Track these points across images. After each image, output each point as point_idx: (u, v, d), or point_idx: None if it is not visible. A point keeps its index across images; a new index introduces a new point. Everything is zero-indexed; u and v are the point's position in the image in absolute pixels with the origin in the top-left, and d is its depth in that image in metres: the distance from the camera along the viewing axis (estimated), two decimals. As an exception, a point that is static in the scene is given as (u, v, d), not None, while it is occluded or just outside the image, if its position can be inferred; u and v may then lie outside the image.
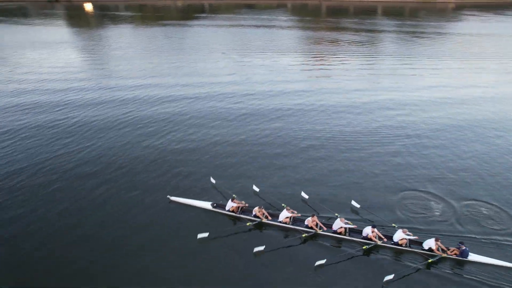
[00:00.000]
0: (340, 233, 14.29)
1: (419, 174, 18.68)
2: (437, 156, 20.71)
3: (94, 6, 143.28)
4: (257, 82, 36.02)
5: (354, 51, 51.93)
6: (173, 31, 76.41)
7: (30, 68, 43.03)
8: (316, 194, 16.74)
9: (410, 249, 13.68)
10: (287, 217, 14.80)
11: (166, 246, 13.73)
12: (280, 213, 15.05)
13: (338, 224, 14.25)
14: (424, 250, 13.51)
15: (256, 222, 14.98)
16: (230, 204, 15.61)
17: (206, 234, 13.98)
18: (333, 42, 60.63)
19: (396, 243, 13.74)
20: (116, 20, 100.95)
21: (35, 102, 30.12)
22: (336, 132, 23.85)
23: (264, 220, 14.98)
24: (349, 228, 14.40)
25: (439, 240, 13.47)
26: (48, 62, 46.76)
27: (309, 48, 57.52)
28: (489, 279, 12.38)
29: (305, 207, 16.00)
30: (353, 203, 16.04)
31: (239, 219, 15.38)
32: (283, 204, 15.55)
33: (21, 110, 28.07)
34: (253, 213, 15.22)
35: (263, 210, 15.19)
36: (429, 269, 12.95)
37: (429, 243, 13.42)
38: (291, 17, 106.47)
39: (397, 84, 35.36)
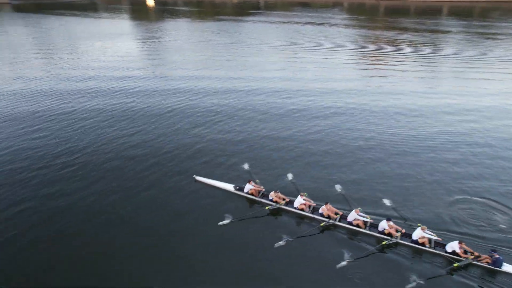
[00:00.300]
0: (357, 226, 13.72)
1: (478, 184, 16.85)
2: (503, 167, 18.57)
3: (156, 1, 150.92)
4: (308, 79, 35.25)
5: (414, 52, 48.74)
6: (228, 26, 77.82)
7: (94, 57, 46.46)
8: (352, 191, 16.06)
9: (435, 251, 12.74)
10: (302, 204, 14.65)
11: (189, 232, 13.76)
12: (295, 199, 14.93)
13: (353, 215, 13.77)
14: (448, 253, 12.49)
15: (275, 207, 14.90)
16: (248, 187, 15.74)
17: (227, 221, 14.00)
18: (390, 42, 57.49)
19: (416, 241, 12.90)
20: (174, 14, 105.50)
21: (96, 87, 32.35)
22: (389, 134, 22.41)
23: (283, 205, 14.91)
24: (369, 222, 13.78)
25: (463, 243, 12.42)
26: (110, 51, 50.12)
27: (364, 47, 55.11)
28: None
29: (331, 198, 15.22)
30: (385, 201, 15.19)
31: (258, 203, 15.43)
32: (305, 193, 15.15)
33: (83, 94, 30.27)
34: (270, 197, 15.15)
35: (280, 194, 15.12)
36: (452, 274, 11.92)
37: (453, 245, 12.45)
38: (347, 16, 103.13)
39: (461, 88, 32.47)
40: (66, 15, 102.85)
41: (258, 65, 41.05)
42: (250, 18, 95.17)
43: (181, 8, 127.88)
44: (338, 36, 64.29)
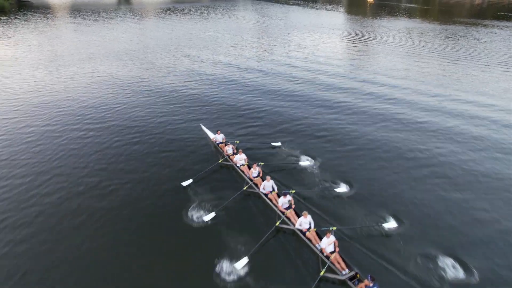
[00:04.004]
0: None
1: None
2: None
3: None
4: None
5: None
6: (461, 30, 61.89)
7: (300, 47, 45.00)
8: None
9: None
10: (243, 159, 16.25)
11: None
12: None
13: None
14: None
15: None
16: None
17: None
18: None
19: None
20: (394, 11, 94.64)
21: (288, 73, 31.16)
22: None
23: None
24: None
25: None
26: (317, 43, 47.80)
27: None
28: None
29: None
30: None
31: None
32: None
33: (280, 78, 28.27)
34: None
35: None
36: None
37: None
38: None
39: None
40: (290, 4, 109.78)
41: (495, 93, 28.49)
42: (497, 22, 73.45)
43: (404, 4, 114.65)
44: None
